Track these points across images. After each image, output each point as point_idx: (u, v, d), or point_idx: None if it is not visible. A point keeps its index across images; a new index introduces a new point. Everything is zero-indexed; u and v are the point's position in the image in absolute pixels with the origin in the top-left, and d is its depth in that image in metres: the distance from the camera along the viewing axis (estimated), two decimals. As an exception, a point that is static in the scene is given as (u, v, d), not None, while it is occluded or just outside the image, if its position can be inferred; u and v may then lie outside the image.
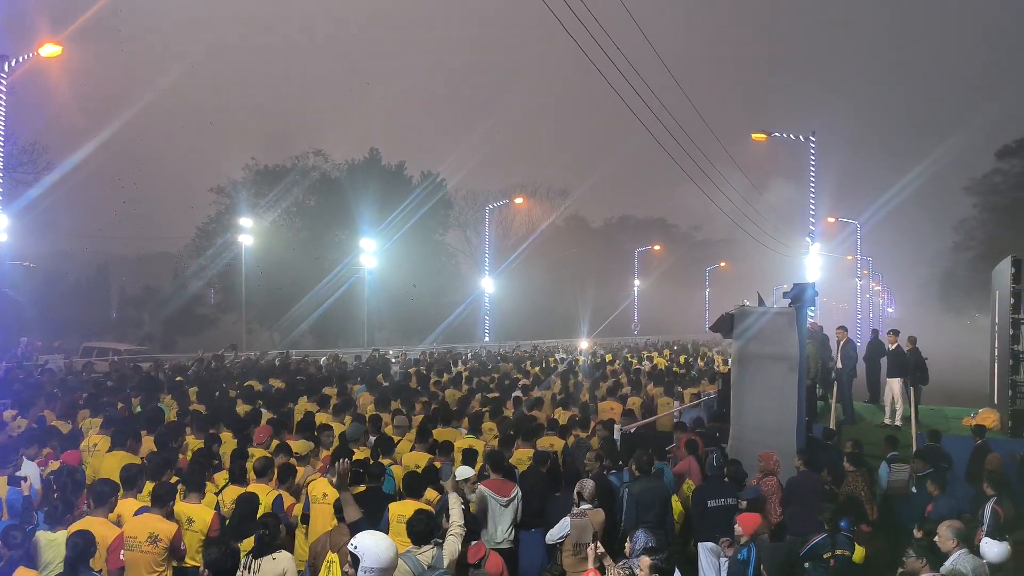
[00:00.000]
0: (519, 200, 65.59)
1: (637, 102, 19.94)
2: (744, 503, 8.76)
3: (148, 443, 9.62)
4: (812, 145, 30.67)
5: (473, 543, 6.95)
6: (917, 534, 7.35)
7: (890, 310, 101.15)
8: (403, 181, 57.22)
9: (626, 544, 6.62)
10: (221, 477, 8.73)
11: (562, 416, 13.53)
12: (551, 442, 11.31)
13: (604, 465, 9.46)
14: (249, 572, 6.37)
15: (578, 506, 7.89)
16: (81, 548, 5.80)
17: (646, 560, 5.84)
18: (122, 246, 63.09)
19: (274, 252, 48.92)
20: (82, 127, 49.65)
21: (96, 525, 6.40)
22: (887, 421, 16.65)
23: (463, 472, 8.53)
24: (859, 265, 59.79)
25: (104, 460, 9.09)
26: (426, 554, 6.30)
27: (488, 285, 48.75)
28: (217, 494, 8.27)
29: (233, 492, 8.03)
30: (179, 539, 6.77)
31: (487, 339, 47.10)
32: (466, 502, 8.29)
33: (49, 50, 23.52)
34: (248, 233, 41.71)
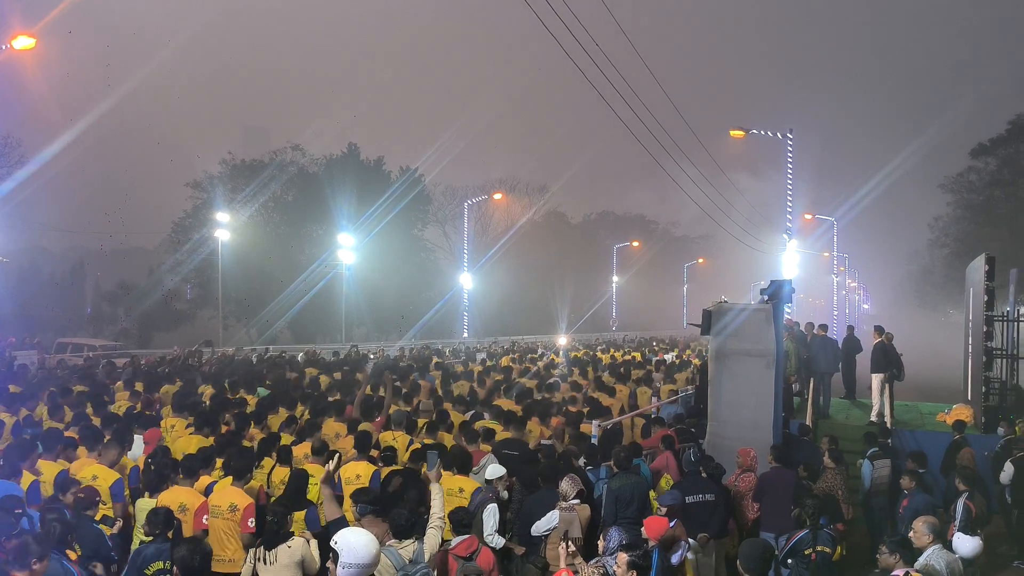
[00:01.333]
0: (498, 196, 65.54)
1: (616, 99, 19.98)
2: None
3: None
4: (789, 142, 30.83)
5: (465, 536, 6.93)
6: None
7: (866, 306, 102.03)
8: (381, 176, 56.98)
9: (599, 542, 6.61)
10: (267, 461, 9.18)
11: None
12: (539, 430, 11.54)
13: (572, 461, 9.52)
14: (265, 563, 6.51)
15: (566, 501, 7.88)
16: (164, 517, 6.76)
17: (623, 557, 5.83)
18: (97, 241, 62.56)
19: (251, 247, 48.63)
20: (56, 121, 49.10)
21: (184, 493, 7.60)
22: (872, 418, 16.67)
23: (495, 471, 8.49)
24: (835, 262, 60.26)
25: (182, 441, 9.97)
26: (407, 548, 6.30)
27: (467, 281, 48.69)
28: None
29: (281, 473, 8.63)
30: (251, 511, 7.51)
31: (466, 335, 47.05)
32: (500, 500, 8.32)
33: (23, 43, 23.13)
34: (225, 228, 41.45)
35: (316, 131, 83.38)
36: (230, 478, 8.07)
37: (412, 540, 6.40)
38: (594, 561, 6.34)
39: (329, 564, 5.12)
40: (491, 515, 8.01)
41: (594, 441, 10.75)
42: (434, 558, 6.51)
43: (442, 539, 6.73)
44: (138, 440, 9.65)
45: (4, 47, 23.38)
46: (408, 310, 52.09)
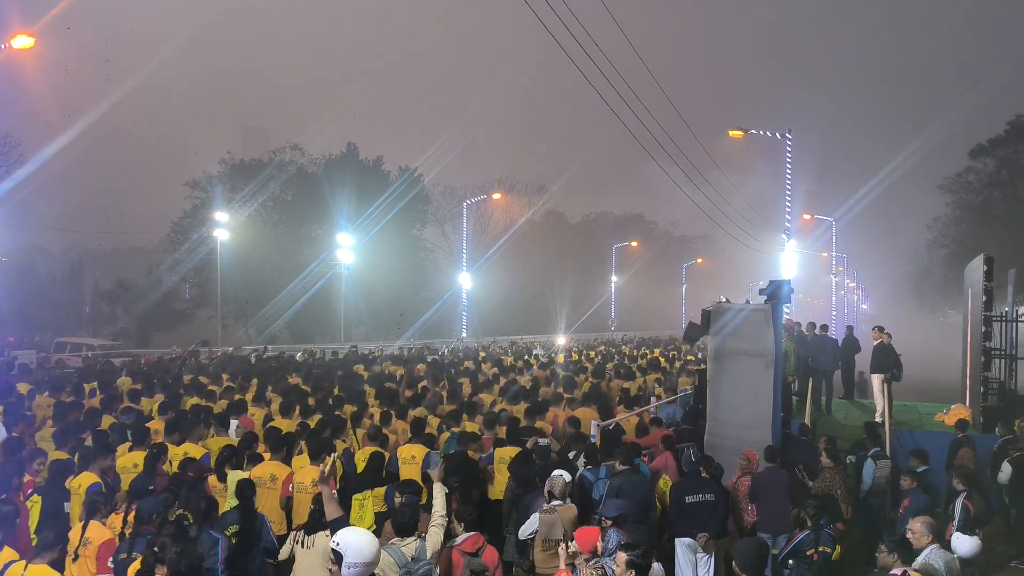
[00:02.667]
0: (497, 196, 65.53)
1: (615, 99, 19.98)
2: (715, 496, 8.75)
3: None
4: (788, 142, 30.84)
5: (471, 533, 6.96)
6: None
7: (865, 307, 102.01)
8: (380, 176, 57.00)
9: (598, 544, 6.61)
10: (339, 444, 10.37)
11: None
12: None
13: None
14: (303, 547, 6.77)
15: (548, 503, 7.85)
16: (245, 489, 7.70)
17: (622, 556, 5.83)
18: (96, 241, 62.54)
19: (250, 247, 48.61)
20: (56, 120, 49.08)
21: (274, 466, 8.88)
22: (878, 419, 16.67)
23: (560, 476, 8.23)
24: (834, 262, 60.30)
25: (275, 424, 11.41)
26: (410, 546, 6.34)
27: (466, 281, 48.67)
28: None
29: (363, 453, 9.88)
30: (289, 479, 8.75)
31: (464, 335, 47.06)
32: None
33: (22, 42, 23.10)
34: (224, 228, 41.45)
35: (315, 131, 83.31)
36: (308, 457, 9.17)
37: (414, 538, 6.46)
38: (593, 561, 6.33)
39: (331, 566, 5.11)
40: (439, 493, 7.79)
41: (593, 440, 10.76)
42: (437, 555, 6.54)
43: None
44: (234, 423, 11.39)
45: (3, 46, 23.35)
46: (407, 310, 52.10)
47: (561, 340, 42.76)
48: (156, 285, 53.41)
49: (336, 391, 14.67)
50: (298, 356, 26.36)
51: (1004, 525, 11.53)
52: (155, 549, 5.76)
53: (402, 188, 53.83)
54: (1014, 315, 16.62)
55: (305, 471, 8.85)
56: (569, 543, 6.86)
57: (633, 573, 5.74)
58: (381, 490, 8.55)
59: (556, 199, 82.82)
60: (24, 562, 5.93)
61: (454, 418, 11.62)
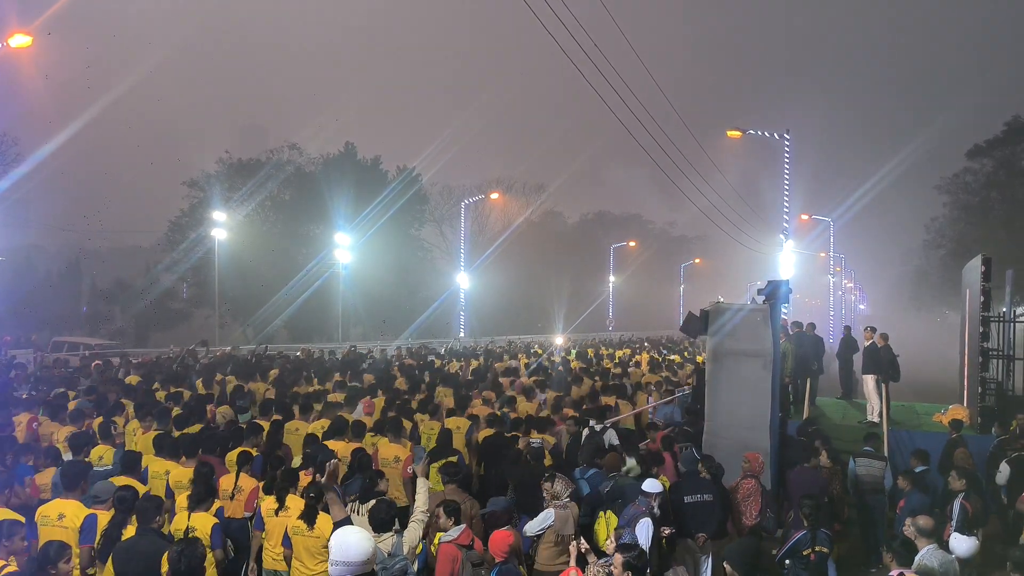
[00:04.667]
0: (495, 195, 65.55)
1: (614, 98, 19.99)
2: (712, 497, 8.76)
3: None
4: (786, 143, 30.86)
5: (463, 527, 6.99)
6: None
7: (862, 307, 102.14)
8: (378, 175, 56.93)
9: (608, 542, 6.63)
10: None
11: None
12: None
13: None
14: (358, 514, 7.37)
15: (550, 503, 7.88)
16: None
17: (619, 558, 5.87)
18: (94, 240, 62.44)
19: (248, 246, 48.50)
20: (53, 119, 48.99)
21: (396, 448, 10.05)
22: (869, 418, 16.72)
23: (653, 486, 8.21)
24: (832, 262, 60.36)
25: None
26: (386, 541, 6.38)
27: (463, 281, 48.64)
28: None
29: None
30: (409, 461, 9.67)
31: (462, 335, 47.04)
32: (654, 515, 8.02)
33: (19, 41, 23.07)
34: (221, 227, 41.36)
35: (313, 130, 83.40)
36: (386, 439, 10.34)
37: (391, 533, 6.52)
38: (603, 561, 6.36)
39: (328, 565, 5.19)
40: (644, 529, 7.72)
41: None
42: (414, 550, 6.68)
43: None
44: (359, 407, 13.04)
45: (1, 45, 23.31)
46: (405, 310, 52.00)
47: (559, 340, 42.76)
48: (153, 284, 53.31)
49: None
50: (297, 355, 26.32)
51: (1002, 525, 11.55)
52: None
53: (400, 188, 53.76)
54: (1011, 316, 16.66)
55: (387, 448, 10.12)
56: (581, 541, 6.91)
57: (629, 574, 5.77)
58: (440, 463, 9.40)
59: (554, 199, 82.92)
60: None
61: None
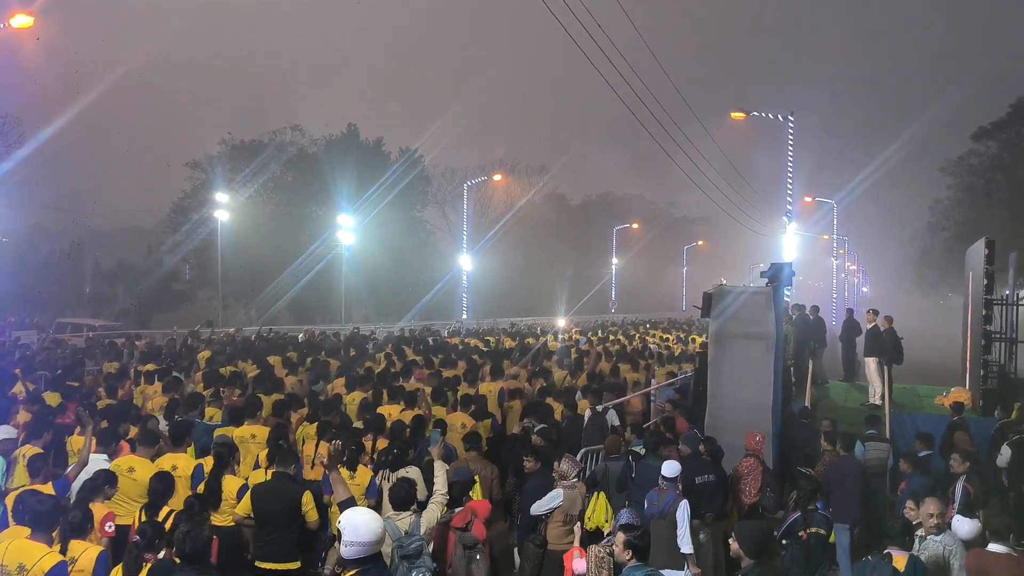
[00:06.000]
0: (497, 177, 65.37)
1: (618, 80, 19.91)
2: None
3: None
4: (790, 124, 30.75)
5: (460, 508, 7.04)
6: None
7: (865, 289, 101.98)
8: (381, 157, 56.79)
9: (606, 524, 6.68)
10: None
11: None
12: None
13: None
14: (388, 482, 7.81)
15: (558, 482, 7.92)
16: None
17: (620, 536, 5.87)
18: (96, 221, 62.46)
19: (250, 228, 48.46)
20: (55, 100, 48.88)
21: (460, 416, 11.14)
22: (871, 401, 16.71)
23: (672, 468, 8.16)
24: (835, 245, 60.23)
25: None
26: (404, 520, 6.43)
27: (466, 262, 48.62)
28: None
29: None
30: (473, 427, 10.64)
31: (465, 316, 47.07)
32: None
33: (20, 21, 22.97)
34: (224, 208, 41.28)
35: (316, 112, 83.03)
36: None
37: (410, 512, 6.59)
38: (604, 541, 6.40)
39: (336, 544, 5.22)
40: (684, 512, 7.86)
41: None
42: (431, 531, 6.69)
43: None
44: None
45: (2, 25, 23.22)
46: (408, 291, 51.98)
47: (561, 322, 42.75)
48: (156, 266, 53.36)
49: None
50: (299, 337, 26.34)
51: (1001, 507, 11.57)
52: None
53: (403, 169, 53.64)
54: (1015, 298, 16.63)
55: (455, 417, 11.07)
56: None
57: (631, 554, 5.77)
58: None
59: (557, 180, 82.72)
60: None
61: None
